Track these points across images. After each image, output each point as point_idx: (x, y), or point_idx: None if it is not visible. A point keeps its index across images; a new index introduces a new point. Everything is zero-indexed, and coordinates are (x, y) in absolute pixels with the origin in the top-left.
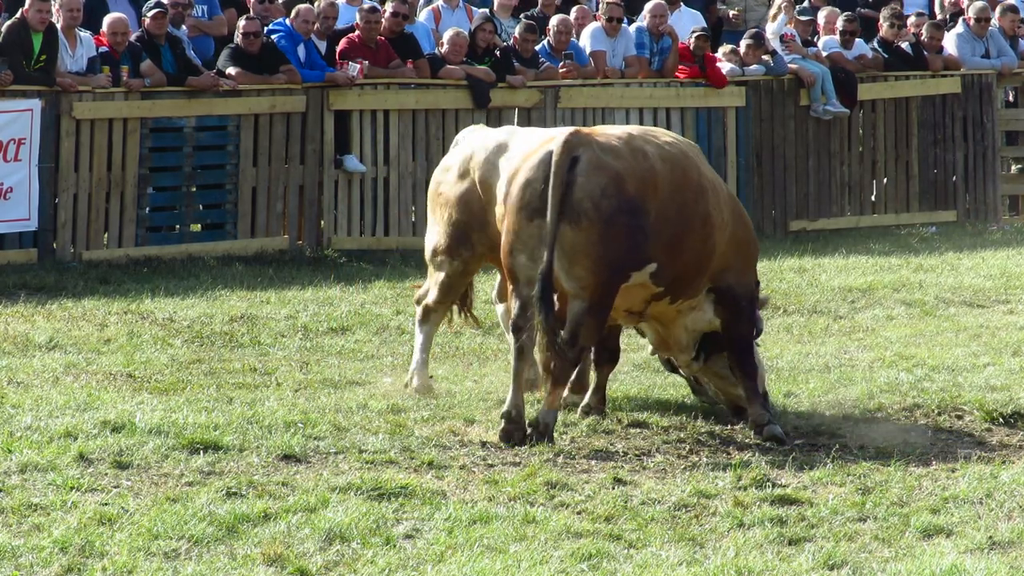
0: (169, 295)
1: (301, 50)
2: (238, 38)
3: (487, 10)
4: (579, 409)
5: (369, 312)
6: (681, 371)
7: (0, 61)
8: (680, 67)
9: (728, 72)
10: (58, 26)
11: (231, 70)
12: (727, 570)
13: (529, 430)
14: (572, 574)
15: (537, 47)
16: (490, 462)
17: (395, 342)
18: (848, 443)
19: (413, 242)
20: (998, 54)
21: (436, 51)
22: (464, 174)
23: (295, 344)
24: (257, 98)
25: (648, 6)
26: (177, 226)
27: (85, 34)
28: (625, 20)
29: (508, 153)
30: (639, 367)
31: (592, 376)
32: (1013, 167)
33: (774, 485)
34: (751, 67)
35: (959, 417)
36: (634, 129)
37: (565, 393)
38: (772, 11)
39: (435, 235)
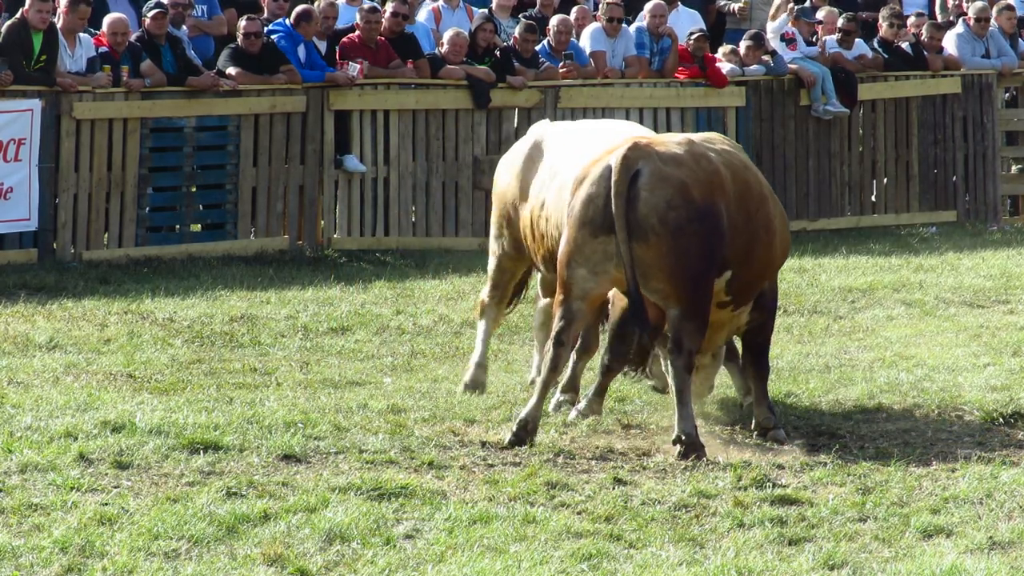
0: (169, 295)
1: (301, 50)
2: (239, 38)
3: (487, 10)
4: (579, 410)
5: (369, 312)
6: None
7: (0, 61)
8: (680, 68)
9: (728, 72)
10: (58, 27)
11: (231, 70)
12: (727, 570)
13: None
14: (572, 574)
15: (537, 47)
16: (490, 462)
17: (395, 342)
18: (848, 443)
19: (413, 242)
20: (998, 54)
21: (436, 51)
22: (512, 169)
23: (295, 344)
24: (257, 98)
25: (648, 6)
26: (177, 226)
27: (84, 34)
28: (625, 20)
29: (550, 153)
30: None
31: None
32: (1013, 167)
33: (774, 485)
34: (751, 67)
35: (959, 417)
36: (694, 136)
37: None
38: (772, 10)
39: (491, 225)
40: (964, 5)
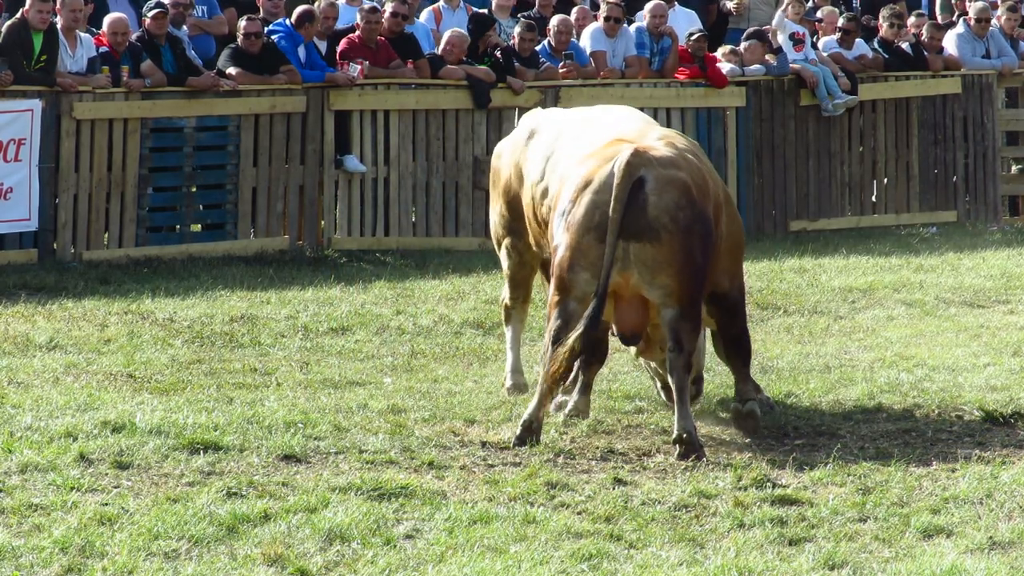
0: (169, 295)
1: (301, 50)
2: (239, 38)
3: (485, 11)
4: (565, 412)
5: (369, 312)
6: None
7: (0, 61)
8: (680, 68)
9: (728, 72)
10: (58, 26)
11: (231, 70)
12: (727, 570)
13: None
14: (572, 574)
15: (537, 47)
16: (490, 462)
17: (395, 342)
18: (848, 443)
19: (413, 242)
20: (998, 54)
21: (436, 51)
22: (511, 158)
23: (295, 344)
24: (257, 98)
25: (648, 6)
26: (177, 226)
27: (85, 34)
28: (625, 21)
29: (547, 142)
30: (640, 367)
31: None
32: (1013, 167)
33: (774, 485)
34: (751, 67)
35: (959, 417)
36: (655, 132)
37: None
38: (782, 8)
39: (491, 224)
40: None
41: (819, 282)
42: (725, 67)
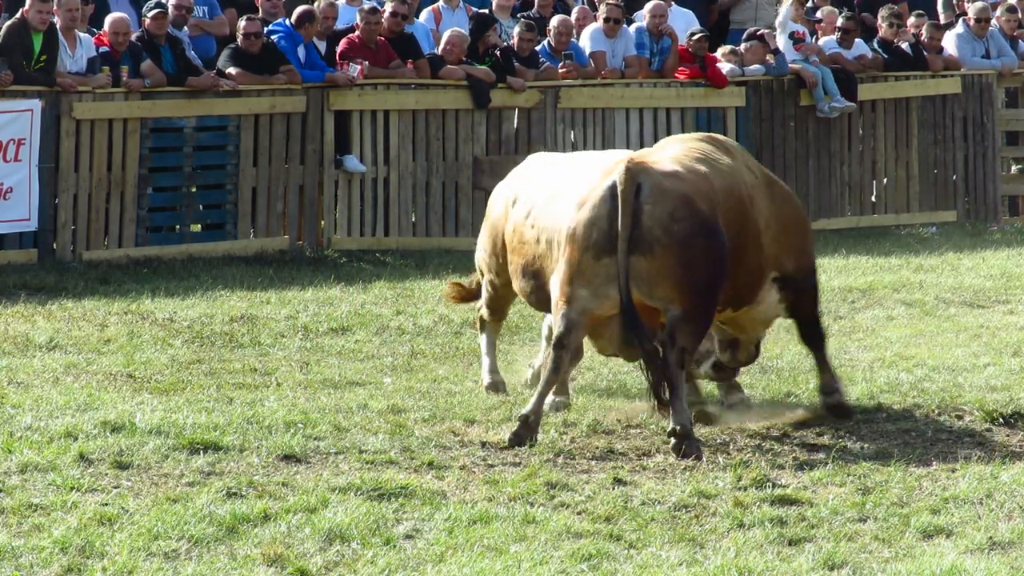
0: (169, 295)
1: (301, 50)
2: (239, 38)
3: (486, 11)
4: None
5: (369, 312)
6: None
7: (0, 61)
8: (680, 68)
9: (728, 72)
10: (58, 26)
11: (231, 70)
12: (727, 570)
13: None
14: (572, 574)
15: (537, 47)
16: (490, 462)
17: (395, 342)
18: (848, 443)
19: (413, 242)
20: (998, 54)
21: (436, 51)
22: (504, 198)
23: (295, 344)
24: (257, 98)
25: (648, 6)
26: (177, 226)
27: (84, 34)
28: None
29: (541, 173)
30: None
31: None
32: (1013, 167)
33: (774, 485)
34: (751, 67)
35: (959, 417)
36: (678, 148)
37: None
38: (783, 8)
39: (479, 247)
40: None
41: (819, 282)
42: (725, 67)
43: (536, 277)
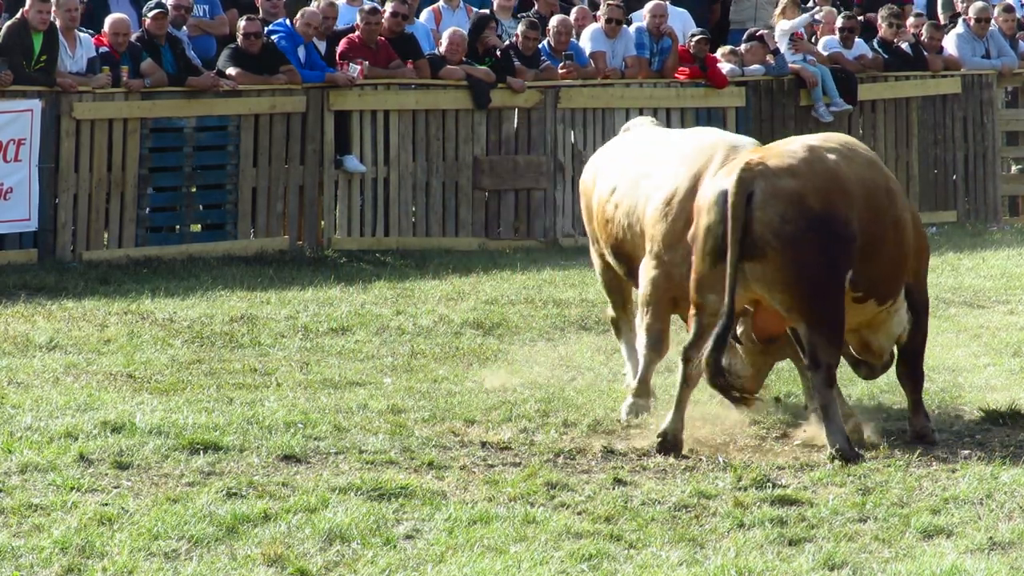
0: (169, 295)
1: (301, 50)
2: (239, 38)
3: (487, 11)
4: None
5: (369, 312)
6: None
7: (0, 61)
8: (680, 68)
9: (728, 72)
10: (58, 26)
11: (231, 70)
12: (727, 570)
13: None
14: (572, 574)
15: (537, 47)
16: (490, 462)
17: (395, 342)
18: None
19: (413, 242)
20: (998, 54)
21: (436, 51)
22: (594, 165)
23: (295, 344)
24: (257, 98)
25: (648, 6)
26: (177, 226)
27: (84, 34)
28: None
29: (634, 146)
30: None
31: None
32: (1013, 167)
33: (774, 485)
34: (751, 67)
35: (959, 417)
36: (812, 138)
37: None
38: (778, 9)
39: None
40: (960, 7)
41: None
42: (725, 67)
43: (622, 256)
